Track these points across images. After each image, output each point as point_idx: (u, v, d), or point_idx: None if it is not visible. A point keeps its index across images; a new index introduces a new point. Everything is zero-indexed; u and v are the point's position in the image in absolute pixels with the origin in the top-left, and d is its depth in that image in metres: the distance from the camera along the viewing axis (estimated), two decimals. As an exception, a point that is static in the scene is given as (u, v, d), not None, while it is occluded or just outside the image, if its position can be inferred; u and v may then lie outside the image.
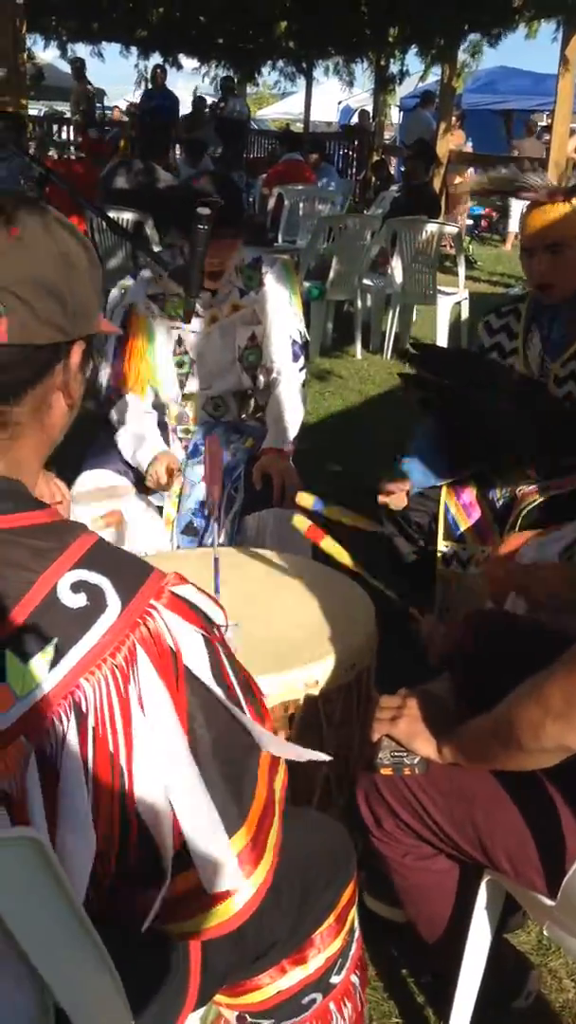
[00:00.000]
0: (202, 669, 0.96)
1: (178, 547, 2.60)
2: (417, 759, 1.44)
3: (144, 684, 0.92)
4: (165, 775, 0.92)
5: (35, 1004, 0.86)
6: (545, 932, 1.46)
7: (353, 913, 1.31)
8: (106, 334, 2.66)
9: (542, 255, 2.38)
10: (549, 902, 1.35)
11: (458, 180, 10.04)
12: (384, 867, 1.55)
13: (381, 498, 2.59)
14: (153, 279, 2.70)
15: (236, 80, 14.59)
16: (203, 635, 0.97)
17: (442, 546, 2.55)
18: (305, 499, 2.17)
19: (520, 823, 1.38)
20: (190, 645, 0.96)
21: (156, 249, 3.75)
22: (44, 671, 0.89)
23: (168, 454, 2.60)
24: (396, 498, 2.58)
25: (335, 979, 1.26)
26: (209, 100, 15.16)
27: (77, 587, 0.92)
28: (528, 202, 2.42)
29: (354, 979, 1.31)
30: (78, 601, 0.91)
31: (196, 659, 0.96)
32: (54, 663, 0.90)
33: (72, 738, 0.90)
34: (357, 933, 1.33)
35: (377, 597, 1.99)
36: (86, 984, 0.85)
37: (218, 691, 0.97)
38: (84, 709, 0.90)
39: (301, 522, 2.07)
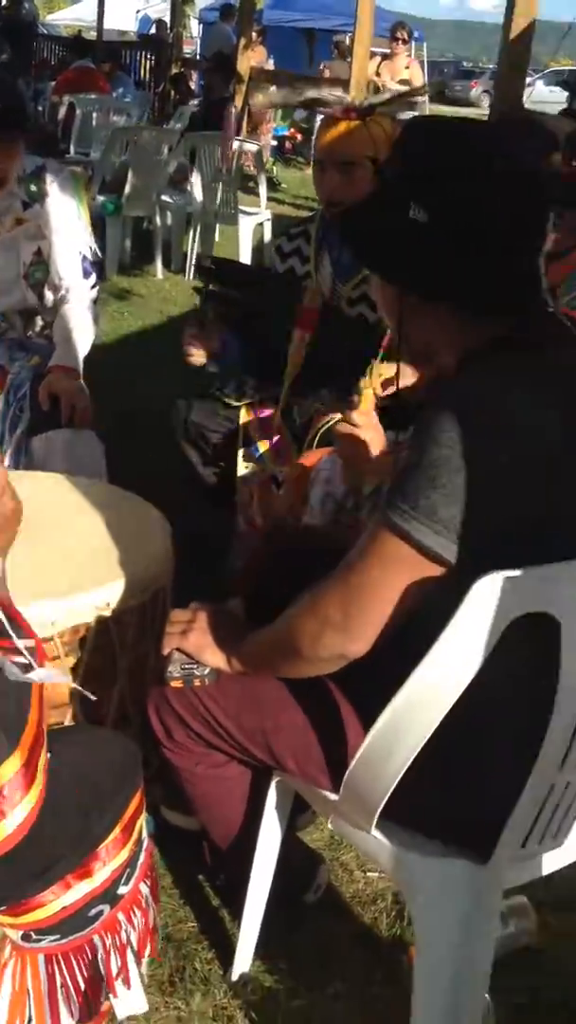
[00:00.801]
0: None
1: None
2: (207, 670, 1.46)
3: None
4: None
5: None
6: (330, 827, 1.53)
7: (140, 822, 1.32)
8: None
9: (332, 172, 2.37)
10: (333, 796, 1.41)
11: (260, 98, 9.86)
12: (177, 778, 1.57)
13: (191, 360, 2.52)
14: None
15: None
16: None
17: (242, 468, 2.55)
18: None
19: (305, 724, 1.42)
20: None
21: None
22: None
23: None
24: (200, 355, 2.53)
25: (123, 889, 1.27)
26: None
27: None
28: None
29: (143, 888, 1.33)
30: None
31: None
32: None
33: None
34: (146, 843, 1.34)
35: (176, 518, 1.98)
36: None
37: None
38: None
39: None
